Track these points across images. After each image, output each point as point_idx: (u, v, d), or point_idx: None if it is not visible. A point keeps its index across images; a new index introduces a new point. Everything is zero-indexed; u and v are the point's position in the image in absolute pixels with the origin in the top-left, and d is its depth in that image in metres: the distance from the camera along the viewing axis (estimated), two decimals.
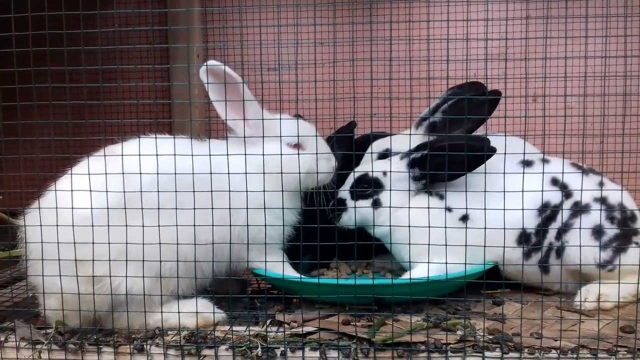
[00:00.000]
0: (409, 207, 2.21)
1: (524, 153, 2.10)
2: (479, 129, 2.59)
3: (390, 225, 2.22)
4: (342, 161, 2.55)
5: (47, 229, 1.86)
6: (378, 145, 2.71)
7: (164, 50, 4.20)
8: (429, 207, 1.97)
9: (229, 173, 1.92)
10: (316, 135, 2.26)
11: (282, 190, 2.07)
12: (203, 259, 2.01)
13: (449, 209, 2.27)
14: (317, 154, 2.16)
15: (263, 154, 2.04)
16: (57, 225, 1.84)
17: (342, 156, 2.56)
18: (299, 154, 2.08)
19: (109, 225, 1.83)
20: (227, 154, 1.92)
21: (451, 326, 1.94)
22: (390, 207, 2.20)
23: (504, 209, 1.92)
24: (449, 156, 2.04)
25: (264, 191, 1.96)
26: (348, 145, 2.57)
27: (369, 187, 2.35)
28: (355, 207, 2.33)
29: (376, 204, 2.35)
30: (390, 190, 2.28)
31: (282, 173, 2.01)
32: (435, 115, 2.56)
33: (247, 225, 1.96)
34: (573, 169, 2.34)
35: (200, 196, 1.89)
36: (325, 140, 2.44)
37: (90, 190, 1.85)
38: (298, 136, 2.15)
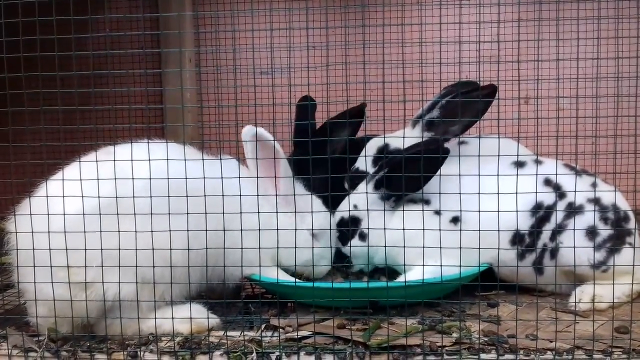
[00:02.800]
0: (403, 210, 2.20)
1: (517, 155, 2.10)
2: (471, 131, 2.60)
3: (385, 246, 2.23)
4: (342, 148, 2.59)
5: (35, 233, 1.84)
6: (372, 146, 2.72)
7: (155, 55, 4.19)
8: (422, 212, 1.98)
9: (240, 195, 1.90)
10: (330, 228, 2.38)
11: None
12: (194, 268, 1.99)
13: (437, 212, 2.27)
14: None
15: (277, 230, 2.02)
16: (44, 232, 1.83)
17: (342, 144, 2.61)
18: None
19: (100, 231, 1.82)
20: (239, 176, 1.93)
21: (446, 329, 1.94)
22: (384, 228, 2.19)
23: (498, 211, 1.93)
24: (408, 170, 2.10)
25: (258, 212, 1.95)
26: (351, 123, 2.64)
27: (348, 228, 2.41)
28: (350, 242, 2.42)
29: (362, 237, 2.40)
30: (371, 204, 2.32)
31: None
32: (432, 112, 2.55)
33: (241, 247, 1.96)
34: (566, 170, 2.34)
35: (196, 207, 1.89)
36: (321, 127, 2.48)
37: (83, 196, 1.83)
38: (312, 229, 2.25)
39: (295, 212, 2.23)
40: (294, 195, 2.16)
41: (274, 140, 2.17)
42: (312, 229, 2.27)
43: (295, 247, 2.12)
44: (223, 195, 1.88)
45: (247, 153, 2.24)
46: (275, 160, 2.15)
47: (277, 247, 2.01)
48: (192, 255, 1.95)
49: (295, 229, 2.16)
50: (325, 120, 2.71)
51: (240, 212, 1.88)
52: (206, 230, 1.91)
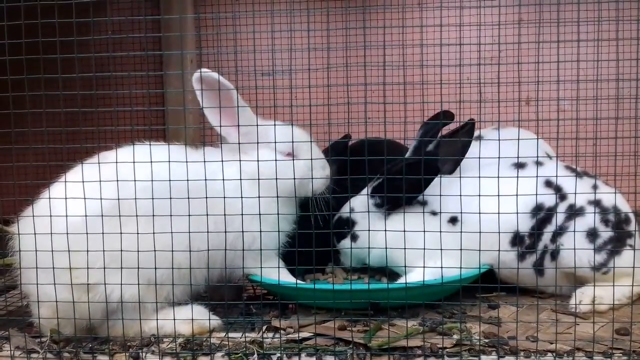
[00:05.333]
0: (403, 212, 2.21)
1: (518, 157, 2.10)
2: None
3: (386, 248, 2.24)
4: (337, 170, 2.58)
5: (39, 236, 1.85)
6: None
7: (157, 57, 4.20)
8: (423, 214, 1.98)
9: (223, 179, 1.92)
10: (310, 141, 2.25)
11: (277, 196, 2.07)
12: (196, 266, 2.00)
13: (433, 213, 2.28)
14: (310, 159, 2.15)
15: (257, 160, 2.03)
16: (47, 233, 1.84)
17: (336, 165, 2.59)
18: (292, 159, 2.08)
19: (103, 233, 1.83)
20: (222, 160, 1.92)
21: (447, 330, 1.94)
22: (385, 230, 2.19)
23: (499, 213, 1.93)
24: (399, 179, 2.13)
25: (258, 197, 1.96)
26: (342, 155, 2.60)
27: (346, 228, 2.45)
28: (351, 248, 2.46)
29: (354, 238, 2.44)
30: (369, 210, 2.34)
31: (276, 179, 2.01)
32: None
33: (242, 232, 1.96)
34: (567, 172, 2.34)
35: (194, 204, 1.89)
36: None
37: (85, 198, 1.84)
38: (293, 142, 2.14)
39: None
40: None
41: (235, 89, 2.15)
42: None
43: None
44: (225, 194, 1.89)
45: (200, 101, 2.18)
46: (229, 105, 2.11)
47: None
48: (195, 247, 1.95)
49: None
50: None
51: (241, 197, 1.91)
52: (207, 231, 1.92)
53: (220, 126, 2.15)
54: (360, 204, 2.43)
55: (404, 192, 2.13)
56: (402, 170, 2.19)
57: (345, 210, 2.48)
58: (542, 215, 2.26)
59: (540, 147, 2.56)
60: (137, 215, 1.86)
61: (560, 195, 2.26)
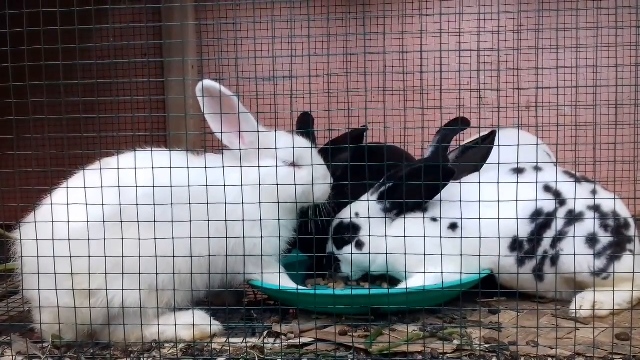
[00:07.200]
0: (404, 218, 2.21)
1: (517, 163, 2.11)
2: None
3: (386, 253, 2.24)
4: (342, 171, 2.58)
5: (41, 242, 1.86)
6: None
7: (158, 64, 4.21)
8: (424, 220, 1.98)
9: (224, 185, 1.92)
10: (312, 147, 2.26)
11: (278, 202, 2.09)
12: (197, 272, 2.01)
13: (433, 219, 2.28)
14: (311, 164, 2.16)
15: (259, 166, 2.04)
16: (50, 239, 1.84)
17: (342, 165, 2.59)
18: (294, 165, 2.09)
19: (105, 239, 1.84)
20: (223, 166, 1.93)
21: (448, 335, 1.94)
22: (386, 236, 2.20)
23: (499, 218, 1.93)
24: (411, 184, 2.11)
25: (259, 203, 1.97)
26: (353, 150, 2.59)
27: (347, 234, 2.42)
28: (352, 254, 2.41)
29: (359, 245, 2.40)
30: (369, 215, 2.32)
31: (277, 184, 2.02)
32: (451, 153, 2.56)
33: (244, 237, 1.97)
34: (566, 177, 2.35)
35: (195, 210, 1.90)
36: (321, 151, 2.46)
37: (87, 204, 1.85)
38: (293, 147, 2.15)
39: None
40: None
41: (237, 95, 2.16)
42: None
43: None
44: (226, 194, 1.90)
45: (204, 109, 2.20)
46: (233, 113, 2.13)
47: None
48: (196, 252, 1.95)
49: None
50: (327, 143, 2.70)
51: (242, 203, 1.93)
52: (209, 237, 1.93)
53: (222, 132, 2.16)
54: (364, 209, 2.40)
55: (403, 198, 2.13)
56: (413, 174, 2.17)
57: (347, 215, 2.47)
58: (541, 220, 2.26)
59: (539, 147, 2.56)
60: (138, 221, 1.87)
61: (560, 200, 2.27)
